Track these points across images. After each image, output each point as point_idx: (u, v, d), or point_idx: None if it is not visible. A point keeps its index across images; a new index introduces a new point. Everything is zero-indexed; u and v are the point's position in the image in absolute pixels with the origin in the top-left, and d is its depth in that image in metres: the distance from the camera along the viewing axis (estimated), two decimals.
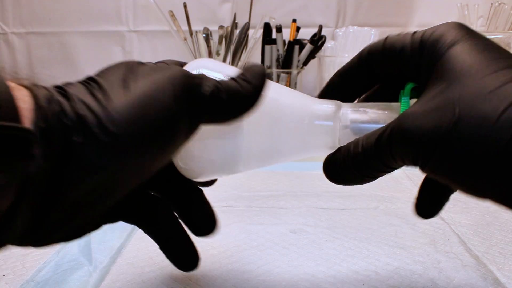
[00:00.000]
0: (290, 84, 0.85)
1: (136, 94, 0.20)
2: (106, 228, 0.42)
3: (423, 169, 0.23)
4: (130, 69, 0.22)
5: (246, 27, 0.84)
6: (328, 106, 0.28)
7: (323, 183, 0.55)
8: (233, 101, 0.23)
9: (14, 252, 0.38)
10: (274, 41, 0.85)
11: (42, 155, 0.18)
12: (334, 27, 0.95)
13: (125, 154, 0.20)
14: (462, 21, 0.85)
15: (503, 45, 0.66)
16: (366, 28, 0.81)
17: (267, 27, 0.85)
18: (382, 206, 0.48)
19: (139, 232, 0.42)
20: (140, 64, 0.24)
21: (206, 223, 0.30)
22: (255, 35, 0.83)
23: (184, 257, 0.30)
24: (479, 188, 0.21)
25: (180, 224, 0.30)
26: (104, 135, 0.19)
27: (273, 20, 0.85)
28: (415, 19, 0.95)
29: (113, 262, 0.36)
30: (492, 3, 0.76)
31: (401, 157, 0.23)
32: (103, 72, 0.22)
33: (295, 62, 0.84)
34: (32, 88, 0.19)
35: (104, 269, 0.35)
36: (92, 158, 0.19)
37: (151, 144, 0.21)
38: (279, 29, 0.83)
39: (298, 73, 0.85)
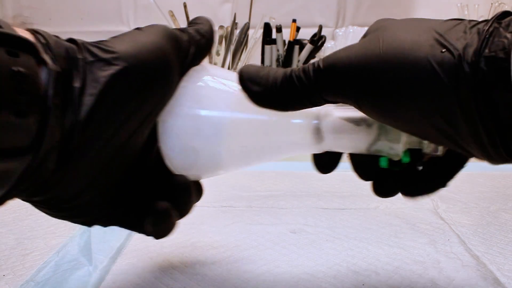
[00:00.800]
0: None
1: (131, 34, 0.24)
2: (106, 228, 0.42)
3: (350, 98, 0.23)
4: (126, 32, 0.26)
5: (246, 27, 0.84)
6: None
7: (323, 183, 0.55)
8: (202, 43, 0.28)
9: (14, 252, 0.38)
10: (274, 41, 0.85)
11: (51, 59, 0.20)
12: (334, 27, 0.95)
13: (124, 72, 0.22)
14: None
15: None
16: (366, 28, 0.81)
17: (267, 27, 0.85)
18: (382, 206, 0.48)
19: None
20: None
21: None
22: (255, 35, 0.83)
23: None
24: (401, 111, 0.22)
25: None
26: (104, 52, 0.22)
27: (273, 20, 0.85)
28: None
29: (113, 262, 0.36)
30: (492, 3, 0.76)
31: (331, 89, 0.24)
32: None
33: (295, 62, 0.84)
34: (34, 30, 0.21)
35: (104, 269, 0.35)
36: (96, 72, 0.21)
37: (149, 67, 0.23)
38: (279, 29, 0.83)
39: None
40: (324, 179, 0.56)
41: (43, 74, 0.19)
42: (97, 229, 0.42)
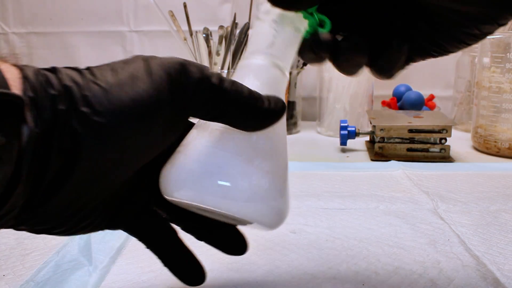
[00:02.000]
0: (290, 84, 0.85)
1: (120, 76, 0.22)
2: None
3: None
4: (126, 60, 0.23)
5: (246, 27, 0.84)
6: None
7: (323, 183, 0.55)
8: (234, 102, 0.24)
9: (14, 252, 0.38)
10: None
11: (33, 120, 0.19)
12: None
13: (103, 126, 0.20)
14: None
15: (503, 45, 0.65)
16: None
17: None
18: (382, 206, 0.48)
19: None
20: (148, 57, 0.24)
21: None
22: None
23: (187, 272, 0.30)
24: None
25: (181, 240, 0.30)
26: (86, 106, 0.20)
27: None
28: None
29: (113, 262, 0.36)
30: None
31: None
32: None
33: (295, 62, 0.84)
34: (18, 64, 0.20)
35: (104, 269, 0.35)
36: (75, 127, 0.20)
37: (129, 122, 0.21)
38: None
39: (298, 73, 0.85)
40: (324, 179, 0.56)
41: (23, 133, 0.19)
42: None
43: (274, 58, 0.29)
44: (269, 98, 0.25)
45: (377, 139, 0.67)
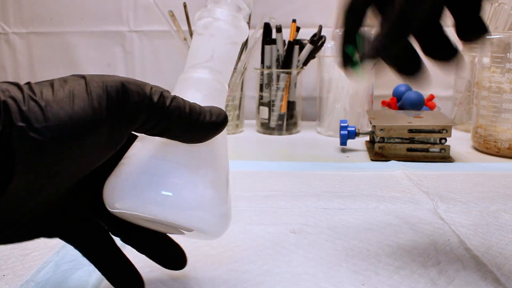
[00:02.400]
0: (290, 84, 0.85)
1: (59, 93, 0.22)
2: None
3: None
4: (65, 78, 0.23)
5: None
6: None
7: (323, 183, 0.55)
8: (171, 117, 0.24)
9: (14, 252, 0.38)
10: (274, 41, 0.85)
11: None
12: (334, 27, 0.95)
13: (39, 142, 0.21)
14: None
15: (503, 45, 0.65)
16: (366, 28, 0.81)
17: (267, 27, 0.85)
18: (382, 206, 0.48)
19: None
20: (86, 76, 0.24)
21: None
22: (255, 35, 0.83)
23: (125, 283, 0.30)
24: None
25: (120, 250, 0.30)
26: (23, 122, 0.21)
27: (273, 20, 0.85)
28: None
29: None
30: (492, 3, 0.76)
31: None
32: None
33: (295, 62, 0.84)
34: None
35: None
36: (11, 142, 0.20)
37: (65, 139, 0.21)
38: (279, 29, 0.83)
39: (298, 73, 0.85)
40: (324, 179, 0.56)
41: None
42: None
43: (214, 71, 0.30)
44: (211, 111, 0.26)
45: (377, 139, 0.67)
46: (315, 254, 0.38)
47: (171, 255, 0.31)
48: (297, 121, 0.87)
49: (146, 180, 0.25)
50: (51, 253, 0.37)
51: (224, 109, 0.28)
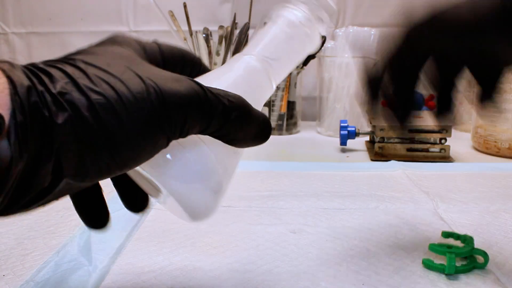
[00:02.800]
0: (290, 84, 0.85)
1: (125, 86, 0.20)
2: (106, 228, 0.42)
3: None
4: (130, 62, 0.22)
5: (246, 27, 0.84)
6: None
7: (323, 183, 0.55)
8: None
9: (14, 252, 0.38)
10: None
11: (17, 149, 0.17)
12: (334, 27, 0.95)
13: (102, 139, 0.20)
14: None
15: None
16: (366, 28, 0.81)
17: None
18: (382, 206, 0.48)
19: (139, 232, 0.42)
20: (141, 61, 0.23)
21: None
22: None
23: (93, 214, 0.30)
24: None
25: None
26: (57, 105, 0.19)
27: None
28: None
29: (113, 262, 0.36)
30: None
31: None
32: (98, 55, 0.22)
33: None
34: (9, 74, 0.18)
35: (104, 269, 0.35)
36: (70, 143, 0.19)
37: (135, 137, 0.20)
38: None
39: (298, 73, 0.85)
40: (324, 179, 0.56)
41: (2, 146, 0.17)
42: None
43: (270, 66, 0.28)
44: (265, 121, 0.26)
45: (377, 139, 0.67)
46: (315, 254, 0.38)
47: (140, 199, 0.31)
48: (297, 121, 0.87)
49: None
50: (51, 253, 0.37)
51: (261, 107, 0.27)
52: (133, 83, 0.21)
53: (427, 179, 0.56)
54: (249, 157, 0.70)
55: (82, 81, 0.20)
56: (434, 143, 0.66)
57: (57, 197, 0.22)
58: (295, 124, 0.87)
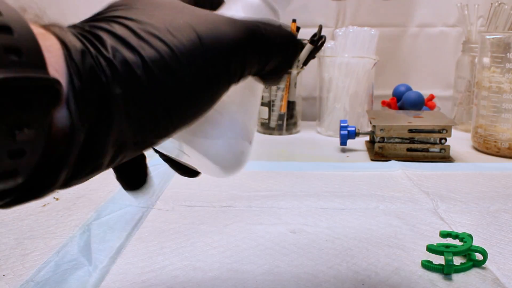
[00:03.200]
0: (290, 84, 0.85)
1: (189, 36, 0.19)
2: (106, 228, 0.42)
3: None
4: (173, 8, 0.20)
5: None
6: None
7: (323, 183, 0.55)
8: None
9: (14, 252, 0.38)
10: None
11: (77, 112, 0.16)
12: (334, 27, 0.95)
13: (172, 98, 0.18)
14: (462, 21, 0.84)
15: (503, 45, 0.65)
16: (366, 28, 0.81)
17: None
18: (382, 206, 0.48)
19: (139, 232, 0.42)
20: (184, 5, 0.21)
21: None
22: None
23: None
24: None
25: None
26: (138, 83, 0.17)
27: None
28: (415, 19, 0.95)
29: (113, 262, 0.36)
30: (492, 3, 0.76)
31: None
32: (139, 8, 0.20)
33: (295, 62, 0.84)
34: (61, 37, 0.17)
35: (104, 269, 0.35)
36: (132, 109, 0.17)
37: (205, 88, 0.19)
38: None
39: (298, 73, 0.85)
40: (324, 179, 0.56)
41: (60, 117, 0.16)
42: (97, 229, 0.42)
43: None
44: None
45: (377, 139, 0.67)
46: (315, 254, 0.38)
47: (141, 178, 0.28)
48: (297, 121, 0.87)
49: None
50: (51, 253, 0.37)
51: None
52: (183, 33, 0.19)
53: (427, 179, 0.56)
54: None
55: (132, 40, 0.18)
56: (434, 143, 0.66)
57: (111, 165, 0.20)
58: (295, 124, 0.87)
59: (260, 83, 0.25)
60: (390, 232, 0.42)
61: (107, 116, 0.17)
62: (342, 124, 0.71)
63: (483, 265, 0.35)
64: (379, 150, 0.67)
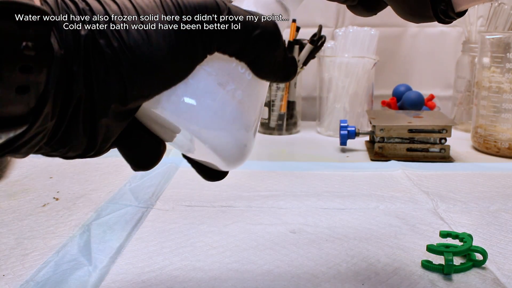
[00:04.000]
0: (290, 84, 0.85)
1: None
2: (106, 228, 0.42)
3: None
4: None
5: None
6: None
7: (323, 183, 0.55)
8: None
9: (14, 252, 0.38)
10: None
11: (57, 42, 0.19)
12: (334, 27, 0.95)
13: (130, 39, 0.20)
14: (461, 21, 0.84)
15: (503, 45, 0.65)
16: (366, 28, 0.81)
17: None
18: (382, 206, 0.48)
19: (139, 232, 0.42)
20: None
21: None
22: None
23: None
24: None
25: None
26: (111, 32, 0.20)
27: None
28: None
29: (113, 262, 0.36)
30: (492, 3, 0.76)
31: None
32: None
33: None
34: None
35: (104, 269, 0.35)
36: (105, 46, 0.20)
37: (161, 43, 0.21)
38: None
39: (298, 73, 0.85)
40: (324, 179, 0.56)
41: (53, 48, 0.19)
42: (97, 229, 0.42)
43: None
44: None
45: (377, 139, 0.67)
46: (315, 254, 0.38)
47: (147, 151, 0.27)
48: (297, 121, 0.87)
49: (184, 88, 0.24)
50: (51, 253, 0.37)
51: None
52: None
53: (427, 179, 0.56)
54: (249, 157, 0.69)
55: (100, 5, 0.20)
56: (434, 143, 0.66)
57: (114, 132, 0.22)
58: (295, 124, 0.87)
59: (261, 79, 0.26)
60: (390, 232, 0.42)
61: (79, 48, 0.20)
62: (342, 124, 0.71)
63: (483, 265, 0.35)
64: (379, 150, 0.67)
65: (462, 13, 0.28)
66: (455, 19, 0.28)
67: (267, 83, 0.28)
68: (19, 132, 0.18)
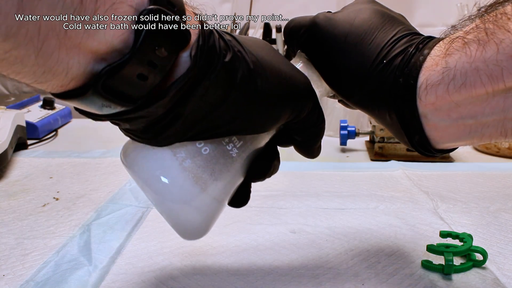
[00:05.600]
0: None
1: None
2: (106, 228, 0.42)
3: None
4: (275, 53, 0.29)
5: (246, 27, 0.84)
6: None
7: (323, 183, 0.55)
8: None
9: (14, 252, 0.38)
10: (274, 41, 0.85)
11: (195, 56, 0.23)
12: None
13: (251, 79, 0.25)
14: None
15: None
16: None
17: (267, 27, 0.85)
18: (382, 206, 0.48)
19: (139, 232, 0.42)
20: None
21: None
22: (255, 35, 0.83)
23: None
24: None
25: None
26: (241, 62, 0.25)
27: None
28: (415, 19, 0.95)
29: (113, 262, 0.36)
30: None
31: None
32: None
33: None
34: (200, 17, 0.25)
35: (104, 269, 0.35)
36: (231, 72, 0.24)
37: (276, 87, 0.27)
38: (279, 29, 0.83)
39: None
40: (324, 179, 0.56)
41: (181, 57, 0.23)
42: (97, 229, 0.42)
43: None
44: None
45: (377, 139, 0.67)
46: (315, 254, 0.38)
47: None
48: None
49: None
50: (51, 253, 0.37)
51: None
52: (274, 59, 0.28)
53: (427, 179, 0.56)
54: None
55: (241, 47, 0.25)
56: None
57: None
58: None
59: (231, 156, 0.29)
60: (390, 232, 0.42)
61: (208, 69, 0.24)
62: (342, 124, 0.71)
63: (483, 265, 0.35)
64: (379, 150, 0.67)
65: (447, 150, 0.29)
66: (437, 155, 0.29)
67: (234, 159, 0.30)
68: (126, 109, 0.22)
